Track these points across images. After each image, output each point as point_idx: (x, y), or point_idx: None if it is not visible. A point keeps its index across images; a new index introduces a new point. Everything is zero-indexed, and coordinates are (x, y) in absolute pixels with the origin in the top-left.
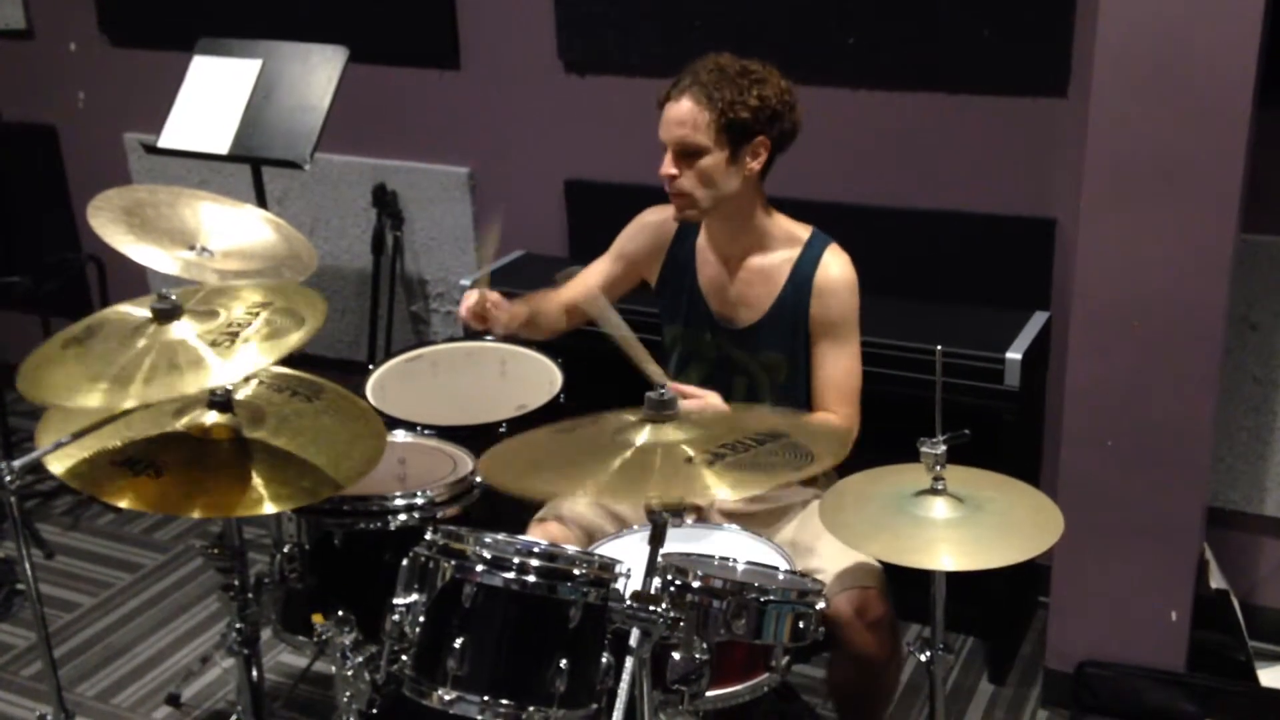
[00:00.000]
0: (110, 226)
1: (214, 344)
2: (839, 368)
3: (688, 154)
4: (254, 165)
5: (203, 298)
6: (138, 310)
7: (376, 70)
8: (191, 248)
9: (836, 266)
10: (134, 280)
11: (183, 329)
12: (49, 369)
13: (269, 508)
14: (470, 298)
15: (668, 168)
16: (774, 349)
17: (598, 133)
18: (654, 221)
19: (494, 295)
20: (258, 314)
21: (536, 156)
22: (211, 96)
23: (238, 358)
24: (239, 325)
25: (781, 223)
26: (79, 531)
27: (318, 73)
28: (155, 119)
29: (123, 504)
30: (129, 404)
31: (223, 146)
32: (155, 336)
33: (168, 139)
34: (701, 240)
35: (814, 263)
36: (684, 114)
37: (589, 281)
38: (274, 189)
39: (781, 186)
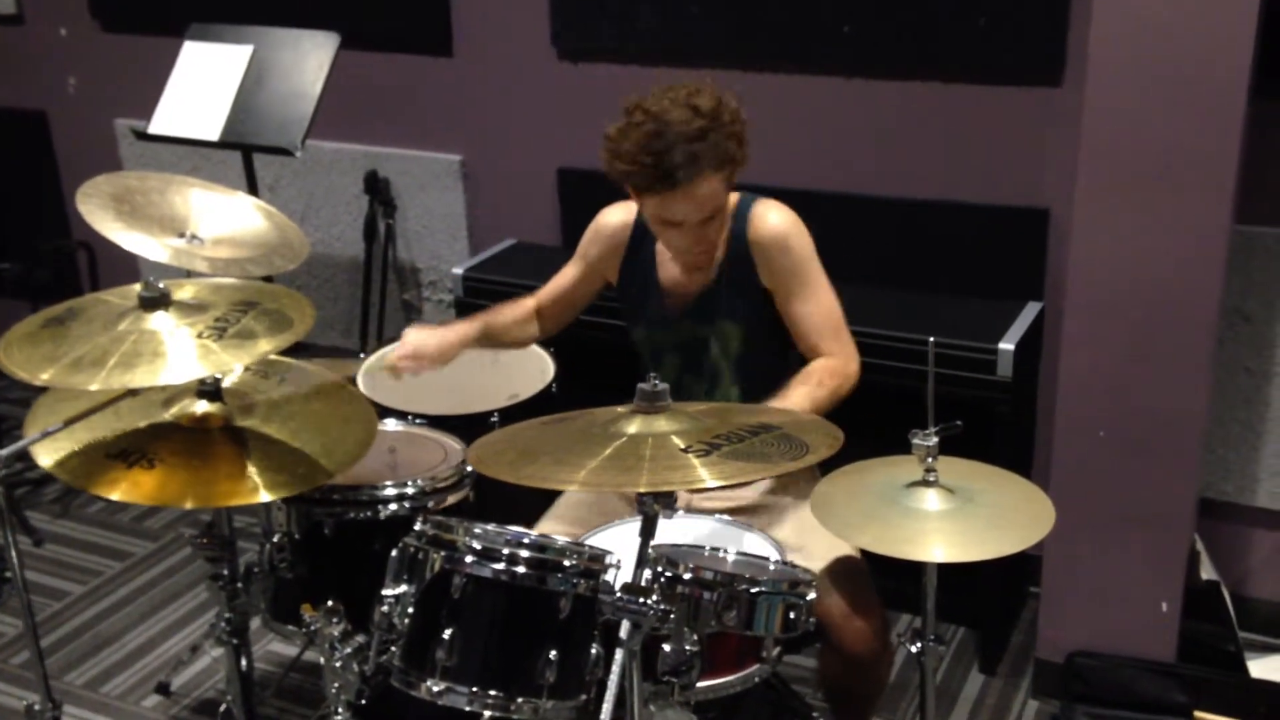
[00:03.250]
0: (99, 213)
1: (196, 338)
2: (816, 310)
3: (710, 220)
4: (245, 152)
5: (193, 292)
6: (123, 297)
7: (368, 56)
8: (181, 235)
9: (771, 217)
10: (125, 267)
11: (166, 321)
12: (24, 344)
13: (265, 496)
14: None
15: (696, 243)
16: (726, 318)
17: (591, 121)
18: (611, 224)
19: (412, 344)
20: (245, 312)
21: (529, 144)
22: (202, 82)
23: (217, 354)
24: (224, 322)
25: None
26: (69, 519)
27: (309, 59)
28: (146, 105)
29: (114, 496)
30: (94, 386)
31: (213, 133)
32: (136, 324)
33: (158, 125)
34: (660, 243)
35: (744, 221)
36: (705, 193)
37: (559, 285)
38: (265, 176)
39: (773, 175)
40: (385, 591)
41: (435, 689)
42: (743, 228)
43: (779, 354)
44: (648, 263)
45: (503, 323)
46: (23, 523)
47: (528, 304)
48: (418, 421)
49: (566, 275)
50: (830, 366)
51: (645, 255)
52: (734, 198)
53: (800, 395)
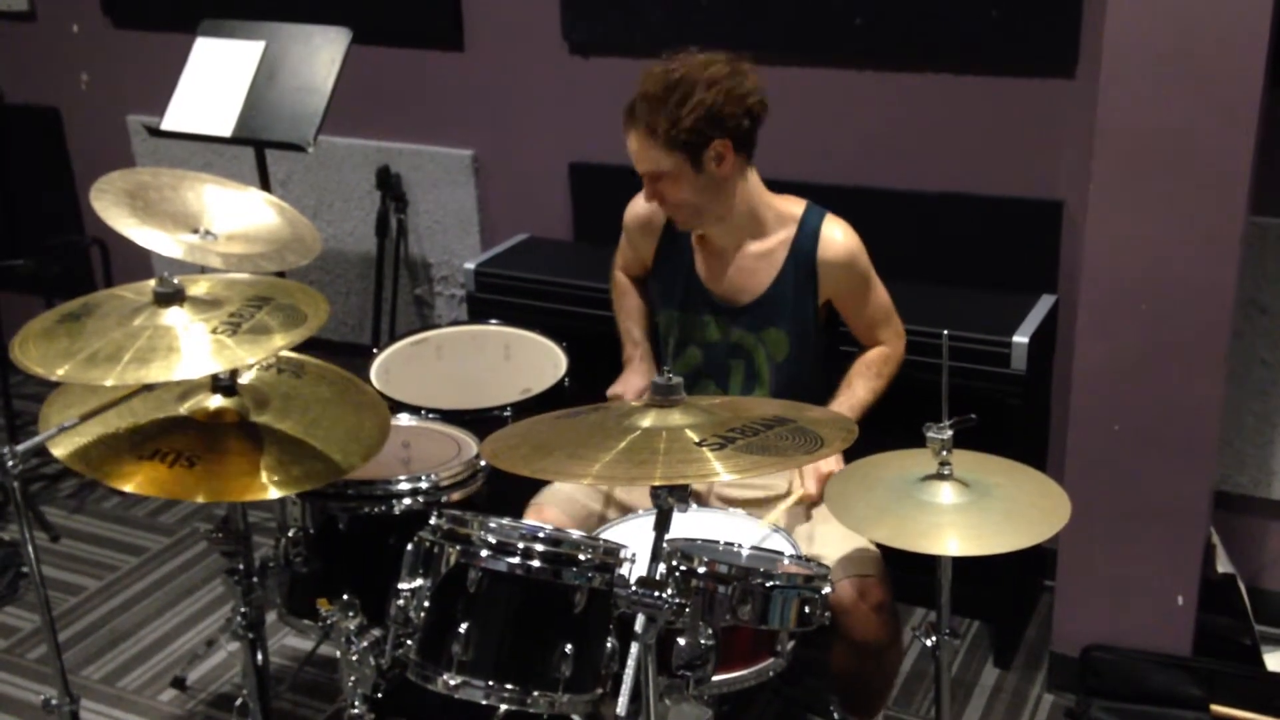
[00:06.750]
0: (113, 209)
1: (210, 333)
2: (874, 307)
3: (657, 179)
4: (257, 148)
5: (207, 288)
6: (138, 292)
7: (380, 52)
8: (195, 231)
9: (839, 236)
10: (138, 263)
11: (181, 316)
12: (40, 340)
13: (298, 488)
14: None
15: (647, 196)
16: (777, 325)
17: (602, 115)
18: (642, 213)
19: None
20: (259, 308)
21: (541, 139)
22: (215, 78)
23: (231, 349)
24: (238, 318)
25: (775, 204)
26: (84, 514)
27: (321, 54)
28: (159, 101)
29: (134, 488)
30: (109, 381)
31: (226, 129)
32: (151, 320)
33: (171, 121)
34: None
35: (813, 238)
36: (636, 148)
37: (627, 255)
38: (278, 172)
39: (787, 169)
40: (401, 585)
41: (451, 683)
42: (811, 245)
43: (818, 359)
44: (684, 249)
45: (641, 313)
46: (39, 518)
47: (626, 280)
48: (431, 416)
49: (625, 252)
50: (884, 355)
51: (682, 241)
52: (800, 206)
53: (862, 387)
